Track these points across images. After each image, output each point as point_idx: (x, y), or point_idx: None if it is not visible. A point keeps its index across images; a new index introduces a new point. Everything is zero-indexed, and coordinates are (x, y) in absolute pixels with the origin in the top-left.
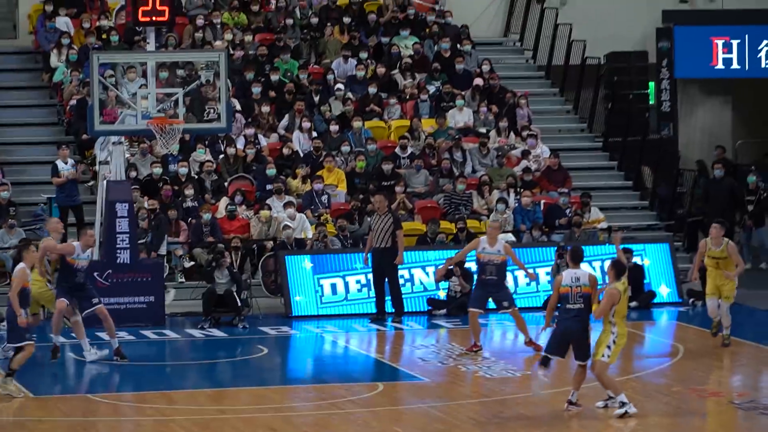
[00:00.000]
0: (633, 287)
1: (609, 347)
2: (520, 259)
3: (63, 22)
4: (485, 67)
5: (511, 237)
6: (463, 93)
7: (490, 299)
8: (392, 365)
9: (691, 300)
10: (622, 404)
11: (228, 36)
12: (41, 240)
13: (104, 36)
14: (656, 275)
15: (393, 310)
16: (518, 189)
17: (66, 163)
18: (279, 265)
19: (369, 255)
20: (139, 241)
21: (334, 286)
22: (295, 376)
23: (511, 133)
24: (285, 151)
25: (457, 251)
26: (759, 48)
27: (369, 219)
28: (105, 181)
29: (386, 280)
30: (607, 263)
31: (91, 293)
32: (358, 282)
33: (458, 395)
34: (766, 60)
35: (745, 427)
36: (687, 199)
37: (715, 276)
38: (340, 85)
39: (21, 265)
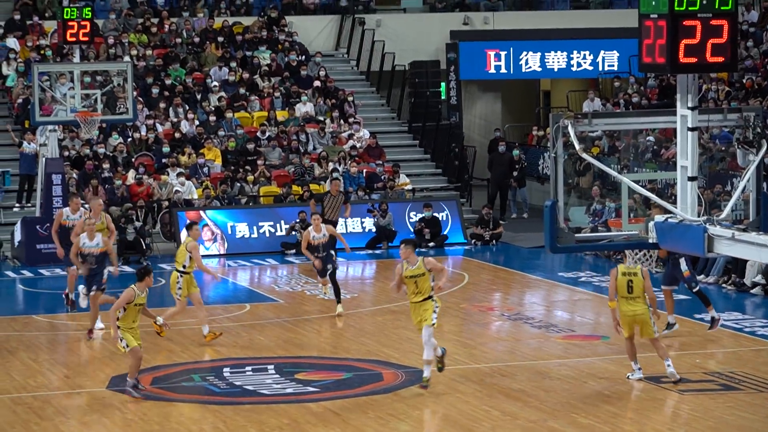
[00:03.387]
0: (432, 233)
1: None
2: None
3: (12, 42)
4: (322, 73)
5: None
6: (306, 92)
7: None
8: (256, 291)
9: (473, 241)
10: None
11: (134, 51)
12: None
13: (42, 52)
14: (447, 223)
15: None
16: (347, 161)
17: (30, 145)
18: (172, 219)
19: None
20: None
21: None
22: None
23: (342, 121)
24: (176, 135)
25: (301, 209)
26: (519, 57)
27: (323, 199)
28: (44, 159)
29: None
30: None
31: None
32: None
33: (304, 312)
34: (524, 66)
35: (511, 332)
36: (469, 167)
37: (415, 308)
38: (215, 85)
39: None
